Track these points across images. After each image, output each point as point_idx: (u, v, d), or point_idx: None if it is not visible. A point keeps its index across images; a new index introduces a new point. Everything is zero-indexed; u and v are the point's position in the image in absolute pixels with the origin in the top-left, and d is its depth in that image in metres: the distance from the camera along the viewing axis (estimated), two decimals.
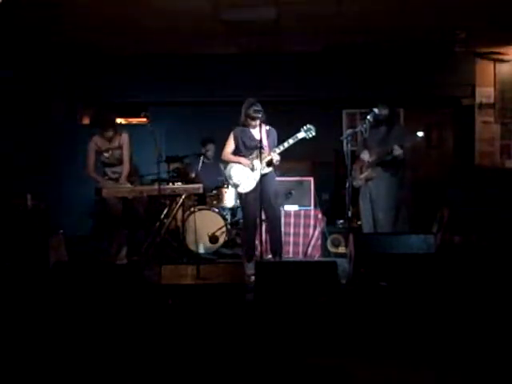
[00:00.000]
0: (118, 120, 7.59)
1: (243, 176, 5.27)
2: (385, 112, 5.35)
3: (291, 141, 5.18)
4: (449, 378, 3.02)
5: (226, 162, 5.46)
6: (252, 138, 5.22)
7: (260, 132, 5.01)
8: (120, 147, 5.56)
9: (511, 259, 4.81)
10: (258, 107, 5.12)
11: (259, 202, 5.04)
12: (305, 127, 5.21)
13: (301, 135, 5.19)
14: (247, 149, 5.26)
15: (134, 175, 5.82)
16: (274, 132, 5.33)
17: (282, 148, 5.19)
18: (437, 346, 3.38)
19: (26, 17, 5.33)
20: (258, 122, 5.09)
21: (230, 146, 5.35)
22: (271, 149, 5.21)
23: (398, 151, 5.19)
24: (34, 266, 4.75)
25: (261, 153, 5.04)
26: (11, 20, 5.35)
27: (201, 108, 7.58)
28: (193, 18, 5.42)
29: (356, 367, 3.14)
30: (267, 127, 5.32)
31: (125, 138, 5.58)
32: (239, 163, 5.29)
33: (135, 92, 7.25)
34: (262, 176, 5.19)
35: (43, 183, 6.51)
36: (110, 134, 5.50)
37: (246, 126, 5.21)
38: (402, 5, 5.12)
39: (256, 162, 5.20)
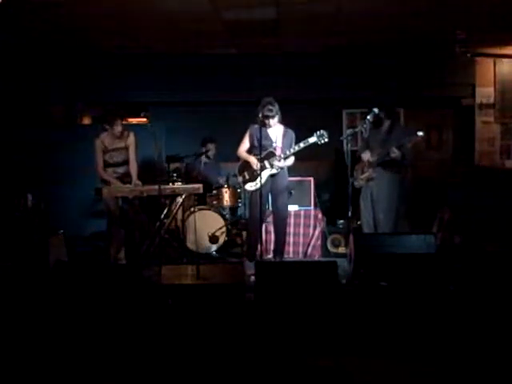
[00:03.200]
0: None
1: (252, 174, 5.28)
2: (371, 117, 5.28)
3: (302, 144, 5.17)
4: (449, 378, 3.02)
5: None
6: (267, 137, 5.22)
7: (263, 131, 4.99)
8: (126, 148, 5.56)
9: (511, 259, 4.81)
10: (272, 107, 5.11)
11: (266, 201, 5.04)
12: (318, 132, 5.17)
13: (312, 140, 5.17)
14: (261, 147, 5.25)
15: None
16: (291, 134, 5.32)
17: (292, 151, 5.19)
18: (437, 346, 3.38)
19: (26, 17, 5.33)
20: (272, 121, 5.11)
21: (245, 143, 5.38)
22: (284, 150, 5.21)
23: (394, 153, 5.16)
24: (34, 265, 4.76)
25: (272, 153, 5.05)
26: (11, 20, 5.35)
27: (201, 108, 7.58)
28: (193, 18, 5.42)
29: (356, 367, 3.15)
30: (285, 128, 5.31)
31: (132, 138, 5.57)
32: (249, 161, 5.30)
33: (135, 92, 7.25)
34: (272, 176, 5.20)
35: (43, 183, 6.51)
36: (119, 129, 5.46)
37: (263, 124, 5.21)
38: (401, 5, 5.11)
39: (266, 162, 5.22)
